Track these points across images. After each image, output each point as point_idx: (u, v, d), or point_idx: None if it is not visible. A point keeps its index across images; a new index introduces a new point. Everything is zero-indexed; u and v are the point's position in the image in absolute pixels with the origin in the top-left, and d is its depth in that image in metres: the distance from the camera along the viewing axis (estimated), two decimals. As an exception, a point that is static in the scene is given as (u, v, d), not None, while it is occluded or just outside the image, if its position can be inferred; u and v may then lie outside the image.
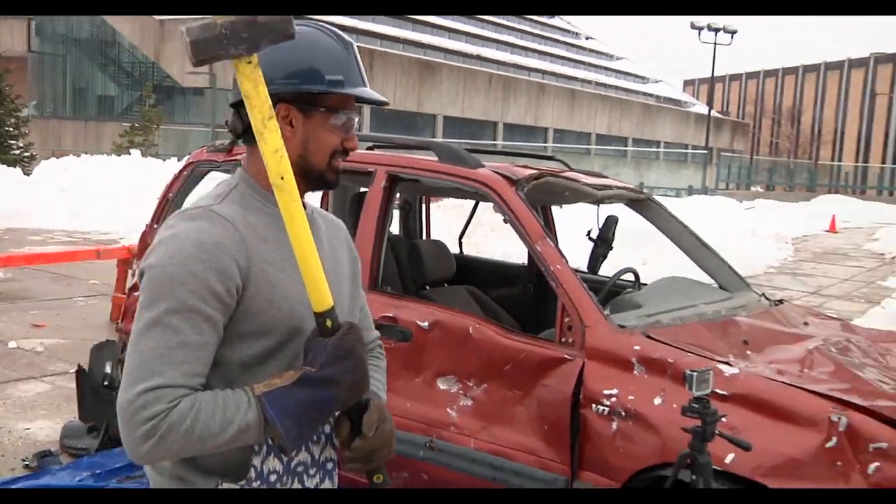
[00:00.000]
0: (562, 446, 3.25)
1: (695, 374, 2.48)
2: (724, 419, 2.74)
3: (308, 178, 1.75)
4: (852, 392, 2.99)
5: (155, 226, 4.82)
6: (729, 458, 2.86)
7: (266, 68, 1.61)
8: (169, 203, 4.83)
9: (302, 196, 1.67)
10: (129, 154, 23.25)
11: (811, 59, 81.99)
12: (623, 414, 3.11)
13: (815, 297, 13.33)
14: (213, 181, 5.01)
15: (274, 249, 1.70)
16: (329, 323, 1.62)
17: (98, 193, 18.12)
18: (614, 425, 3.12)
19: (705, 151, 38.62)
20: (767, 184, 44.17)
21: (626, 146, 48.52)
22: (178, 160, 19.20)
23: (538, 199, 4.48)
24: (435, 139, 4.22)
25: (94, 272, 10.96)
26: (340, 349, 1.61)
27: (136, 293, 4.76)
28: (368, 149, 4.66)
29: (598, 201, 4.25)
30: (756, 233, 18.26)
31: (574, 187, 4.06)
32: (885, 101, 72.39)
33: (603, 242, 4.46)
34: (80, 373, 5.02)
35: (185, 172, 4.86)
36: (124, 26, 37.40)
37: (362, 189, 4.43)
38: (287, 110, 1.72)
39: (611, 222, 4.48)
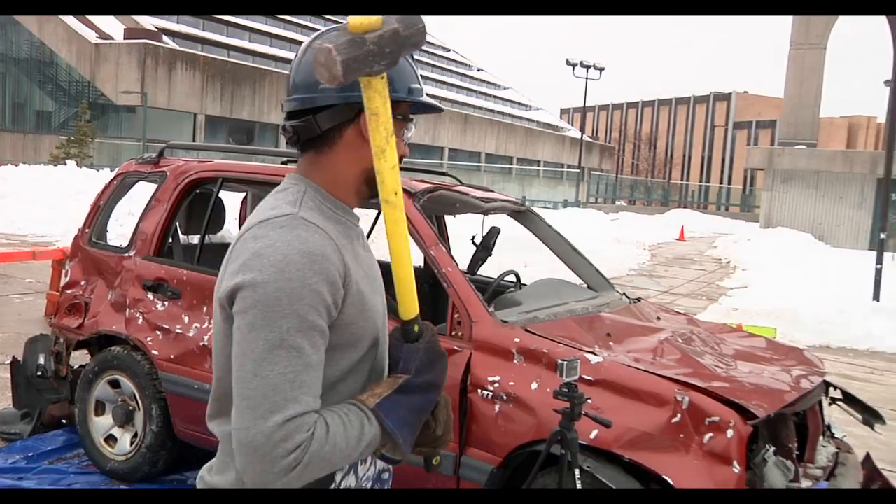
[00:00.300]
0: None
1: (565, 362, 2.52)
2: (589, 401, 2.80)
3: (372, 187, 1.49)
4: (694, 375, 3.09)
5: (87, 230, 4.63)
6: (593, 434, 2.92)
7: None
8: (100, 209, 4.66)
9: (357, 206, 1.52)
10: (66, 164, 22.22)
11: (665, 95, 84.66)
12: (504, 398, 3.14)
13: (667, 295, 13.76)
14: (142, 189, 4.83)
15: (354, 260, 1.47)
16: (416, 328, 1.47)
17: (35, 200, 17.28)
18: (497, 408, 3.14)
19: (578, 170, 39.46)
20: (629, 199, 45.43)
21: (511, 164, 49.12)
22: (111, 171, 18.55)
23: (433, 210, 4.48)
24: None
25: (31, 272, 10.45)
26: (432, 353, 1.47)
27: (69, 291, 4.59)
28: (283, 163, 4.60)
29: (484, 212, 4.29)
30: (619, 240, 18.76)
31: (464, 200, 4.08)
32: (721, 131, 75.41)
33: (484, 248, 4.49)
34: (14, 364, 4.80)
35: (115, 182, 4.69)
36: (62, 48, 35.84)
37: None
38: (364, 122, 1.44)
39: (493, 232, 4.52)
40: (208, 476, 1.51)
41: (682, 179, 68.90)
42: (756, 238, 20.17)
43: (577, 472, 2.56)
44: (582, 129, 46.08)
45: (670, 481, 2.78)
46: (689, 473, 2.79)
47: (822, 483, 3.27)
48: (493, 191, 4.50)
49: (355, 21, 1.30)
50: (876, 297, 12.32)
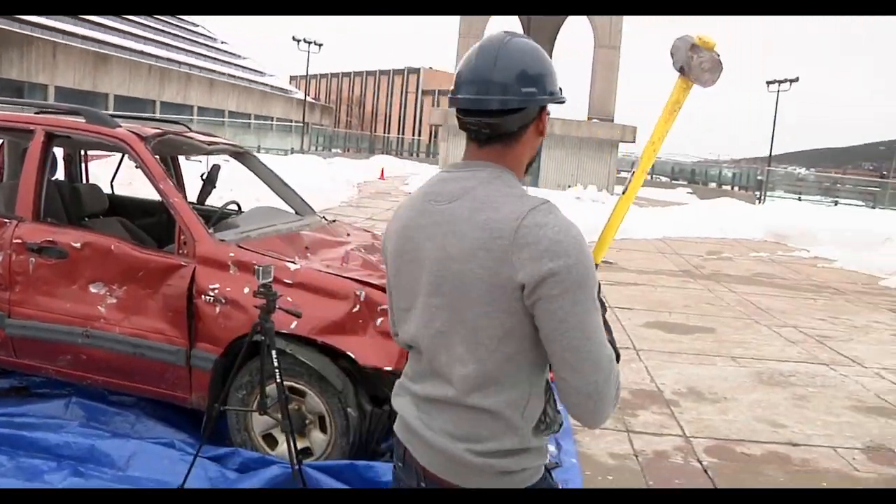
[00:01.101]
0: (182, 327, 3.09)
1: (260, 268, 2.48)
2: (287, 298, 2.79)
3: (525, 169, 1.39)
4: (370, 276, 3.21)
5: None
6: (293, 325, 2.93)
7: (543, 79, 1.28)
8: None
9: None
10: None
11: (371, 67, 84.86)
12: (223, 301, 3.03)
13: (369, 220, 14.06)
14: None
15: None
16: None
17: None
18: (217, 309, 3.04)
19: (302, 125, 38.39)
20: (343, 147, 45.28)
21: (250, 120, 46.55)
22: None
23: (164, 151, 4.10)
24: (85, 106, 3.68)
25: None
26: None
27: None
28: (36, 113, 3.94)
29: (208, 153, 4.01)
30: (334, 179, 18.68)
31: (190, 143, 3.78)
32: (413, 96, 77.72)
33: (209, 183, 4.23)
34: None
35: None
36: None
37: (26, 145, 3.74)
38: (545, 119, 1.35)
39: (216, 169, 4.25)
40: (479, 446, 1.27)
41: (384, 132, 70.10)
42: (435, 177, 21.18)
43: (274, 353, 2.57)
44: (306, 93, 44.99)
45: (353, 356, 2.89)
46: (366, 349, 2.91)
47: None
48: (216, 136, 4.22)
49: (712, 40, 1.38)
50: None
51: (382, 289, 3.04)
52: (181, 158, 4.73)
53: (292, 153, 31.32)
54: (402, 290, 1.37)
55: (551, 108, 1.38)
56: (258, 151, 31.78)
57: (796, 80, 32.55)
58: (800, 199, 26.36)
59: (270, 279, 2.54)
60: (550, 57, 1.49)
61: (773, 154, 32.83)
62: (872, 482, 3.55)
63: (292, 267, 3.09)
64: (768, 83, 33.20)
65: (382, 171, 23.87)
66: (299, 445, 2.89)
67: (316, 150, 39.08)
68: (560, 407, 1.31)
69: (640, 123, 26.26)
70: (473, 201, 1.26)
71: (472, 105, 1.28)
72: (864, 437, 4.20)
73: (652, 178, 34.83)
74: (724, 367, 5.60)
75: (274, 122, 48.73)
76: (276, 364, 2.54)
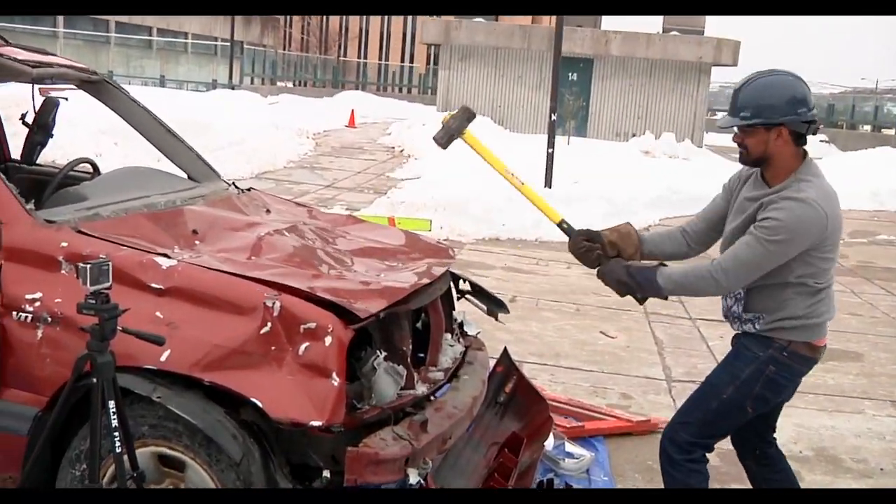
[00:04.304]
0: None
1: (88, 266, 2.29)
2: (156, 314, 2.61)
3: None
4: (292, 276, 3.03)
5: None
6: (164, 356, 2.75)
7: None
8: None
9: None
10: None
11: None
12: (49, 319, 2.85)
13: (330, 189, 13.98)
14: None
15: None
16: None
17: None
18: (39, 333, 2.86)
19: (230, 46, 38.24)
20: (295, 79, 45.14)
21: (150, 36, 46.33)
22: None
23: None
24: None
25: None
26: None
27: None
28: None
29: (33, 80, 3.80)
30: (278, 127, 18.55)
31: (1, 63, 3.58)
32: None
33: (41, 129, 4.04)
34: None
35: None
36: None
37: None
38: None
39: (49, 106, 4.07)
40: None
41: (358, 57, 69.96)
42: (432, 123, 21.04)
43: (112, 405, 2.38)
44: (237, -6, 44.41)
45: (260, 404, 2.71)
46: (281, 393, 2.74)
47: (444, 387, 3.43)
48: (53, 54, 4.02)
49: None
50: (548, 183, 13.51)
51: (307, 295, 2.86)
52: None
53: (216, 88, 31.24)
54: None
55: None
56: (162, 85, 31.76)
57: None
58: None
59: (108, 284, 2.35)
60: None
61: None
62: None
63: (165, 263, 2.92)
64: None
65: (353, 114, 23.76)
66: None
67: (252, 82, 38.98)
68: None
69: (743, 37, 25.93)
70: None
71: None
72: None
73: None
74: (879, 417, 5.51)
75: (189, 41, 48.61)
76: (114, 424, 2.36)
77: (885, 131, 31.25)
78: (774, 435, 3.51)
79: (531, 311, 7.51)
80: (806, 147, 3.12)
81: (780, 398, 3.30)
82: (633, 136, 22.84)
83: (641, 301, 3.32)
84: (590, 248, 3.30)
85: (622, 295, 3.27)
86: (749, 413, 3.24)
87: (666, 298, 3.37)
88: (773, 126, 3.03)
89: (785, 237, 2.96)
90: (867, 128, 32.43)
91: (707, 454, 3.30)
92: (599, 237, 3.32)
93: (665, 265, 3.24)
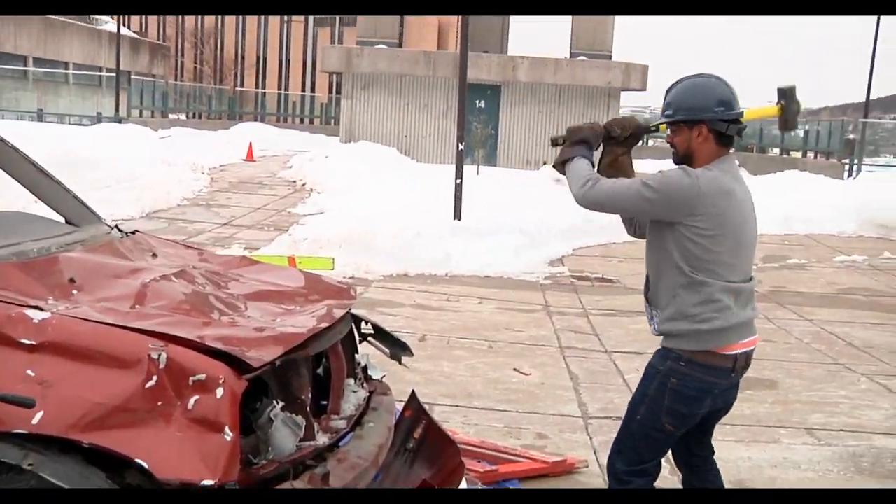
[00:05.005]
0: None
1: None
2: (28, 372, 2.53)
3: None
4: (179, 325, 2.97)
5: None
6: (37, 418, 2.65)
7: None
8: None
9: None
10: None
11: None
12: None
13: (228, 227, 13.81)
14: None
15: None
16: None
17: None
18: None
19: (116, 76, 37.57)
20: (188, 111, 44.53)
21: (26, 66, 45.19)
22: None
23: None
24: None
25: None
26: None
27: None
28: None
29: None
30: (170, 163, 18.30)
31: None
32: (300, 28, 77.37)
33: None
34: None
35: None
36: None
37: None
38: None
39: None
40: None
41: (256, 87, 69.56)
42: (336, 155, 21.03)
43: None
44: (121, 23, 43.71)
45: (145, 465, 2.64)
46: (169, 451, 2.67)
47: (348, 436, 3.39)
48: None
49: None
50: (457, 215, 13.59)
51: (198, 345, 2.81)
52: None
53: (101, 121, 30.60)
54: None
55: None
56: (40, 119, 30.95)
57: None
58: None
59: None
60: None
61: (871, 98, 33.65)
62: None
63: (37, 316, 2.82)
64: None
65: (251, 147, 23.60)
66: None
67: (141, 115, 38.33)
68: None
69: (651, 60, 26.70)
70: None
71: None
72: None
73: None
74: (795, 445, 5.63)
75: (70, 72, 47.61)
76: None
77: (793, 154, 32.47)
78: (710, 452, 3.68)
79: (442, 350, 7.51)
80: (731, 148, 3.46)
81: (701, 410, 3.43)
82: (544, 163, 23.17)
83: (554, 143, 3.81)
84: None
85: (555, 144, 3.80)
86: (670, 430, 3.37)
87: (561, 168, 3.69)
88: (695, 124, 3.35)
89: (655, 186, 3.31)
90: (776, 151, 33.61)
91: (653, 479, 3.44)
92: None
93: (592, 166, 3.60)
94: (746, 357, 3.44)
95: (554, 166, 3.75)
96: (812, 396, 6.63)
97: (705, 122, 3.35)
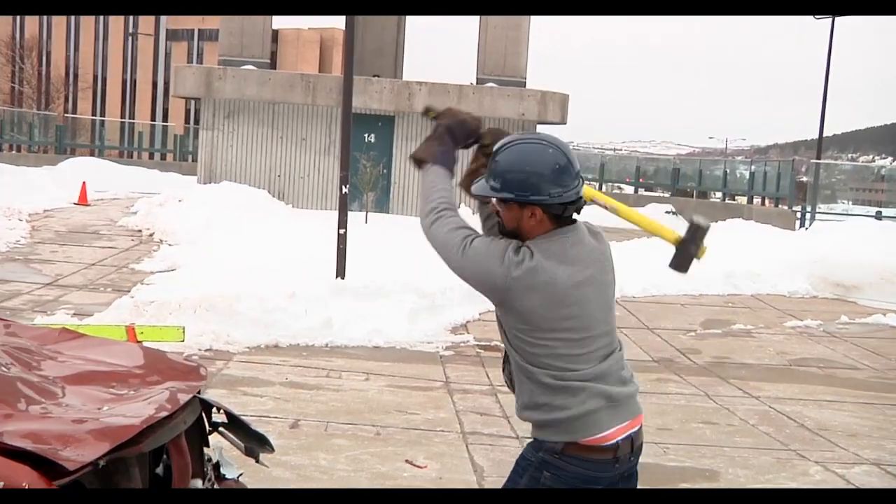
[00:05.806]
0: None
1: None
2: None
3: None
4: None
5: None
6: None
7: None
8: None
9: None
10: None
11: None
12: None
13: (53, 288, 13.53)
14: None
15: None
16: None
17: None
18: None
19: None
20: (2, 141, 43.58)
21: None
22: None
23: None
24: None
25: None
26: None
27: None
28: None
29: None
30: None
31: None
32: (149, 42, 76.87)
33: None
34: None
35: None
36: None
37: None
38: None
39: None
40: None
41: (94, 114, 68.65)
42: (192, 198, 20.83)
43: None
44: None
45: None
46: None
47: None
48: None
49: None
50: (340, 273, 13.54)
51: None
52: None
53: None
54: None
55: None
56: None
57: None
58: (879, 216, 27.23)
59: None
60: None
61: (826, 135, 34.50)
62: None
63: None
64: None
65: (84, 188, 23.20)
66: None
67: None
68: None
69: (571, 90, 27.28)
70: None
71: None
72: None
73: (601, 186, 36.09)
74: None
75: None
76: None
77: (738, 198, 33.37)
78: None
79: (318, 439, 7.44)
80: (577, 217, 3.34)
81: None
82: (446, 209, 23.37)
83: (429, 113, 3.71)
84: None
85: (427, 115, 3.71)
86: None
87: (419, 165, 3.51)
88: (527, 204, 3.21)
89: (474, 248, 3.19)
90: (719, 195, 34.50)
91: None
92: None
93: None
94: (632, 441, 3.30)
95: (411, 157, 3.57)
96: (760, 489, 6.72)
97: (537, 204, 3.19)
